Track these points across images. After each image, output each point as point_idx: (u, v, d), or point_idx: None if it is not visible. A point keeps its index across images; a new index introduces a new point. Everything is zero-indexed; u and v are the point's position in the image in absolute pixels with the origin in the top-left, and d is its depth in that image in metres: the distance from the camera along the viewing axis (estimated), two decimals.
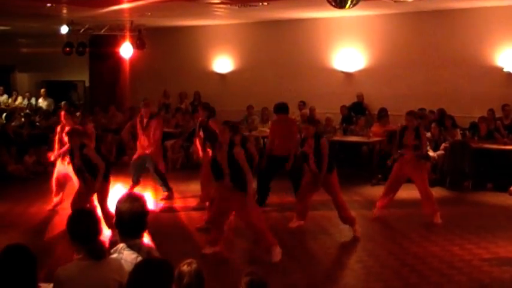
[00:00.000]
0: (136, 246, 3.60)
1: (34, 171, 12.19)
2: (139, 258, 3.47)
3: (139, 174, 10.15)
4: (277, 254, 6.85)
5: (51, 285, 3.53)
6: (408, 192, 9.21)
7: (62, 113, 9.81)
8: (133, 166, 10.13)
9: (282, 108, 9.68)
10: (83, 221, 3.55)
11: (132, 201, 3.64)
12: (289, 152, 9.13)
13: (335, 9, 8.98)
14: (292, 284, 6.33)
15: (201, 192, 9.38)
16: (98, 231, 3.57)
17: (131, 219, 3.58)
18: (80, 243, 3.50)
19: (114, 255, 3.60)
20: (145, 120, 9.86)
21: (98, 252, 3.46)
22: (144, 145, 9.88)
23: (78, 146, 7.70)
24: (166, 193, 10.14)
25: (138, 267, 3.08)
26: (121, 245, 3.64)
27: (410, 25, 13.52)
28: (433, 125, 11.82)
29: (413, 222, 8.61)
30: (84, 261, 3.46)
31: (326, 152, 7.82)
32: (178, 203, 9.95)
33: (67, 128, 8.72)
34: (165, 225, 8.56)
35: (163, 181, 10.13)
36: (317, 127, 8.76)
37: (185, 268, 3.56)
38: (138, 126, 9.96)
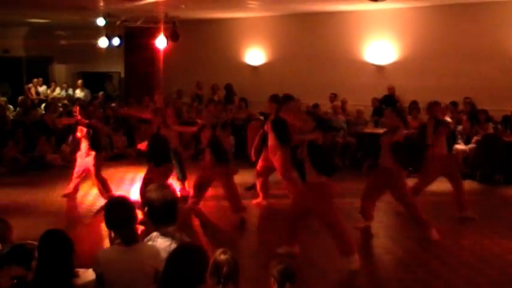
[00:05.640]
0: (169, 234, 3.69)
1: (70, 160, 12.46)
2: (173, 246, 3.54)
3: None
4: (355, 261, 6.33)
5: (90, 270, 3.68)
6: (438, 184, 9.07)
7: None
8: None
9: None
10: (115, 208, 3.69)
11: (162, 189, 3.73)
12: None
13: (367, 2, 9.02)
14: (319, 274, 6.42)
15: None
16: (130, 218, 3.66)
17: (163, 207, 3.67)
18: (113, 229, 3.68)
19: (149, 243, 3.70)
20: None
21: (128, 238, 3.61)
22: None
23: None
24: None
25: (175, 252, 3.19)
26: (154, 234, 3.74)
27: (442, 18, 13.39)
28: (464, 118, 11.73)
29: (443, 215, 8.56)
30: (122, 246, 3.63)
31: None
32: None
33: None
34: None
35: None
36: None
37: (222, 257, 3.50)
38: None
